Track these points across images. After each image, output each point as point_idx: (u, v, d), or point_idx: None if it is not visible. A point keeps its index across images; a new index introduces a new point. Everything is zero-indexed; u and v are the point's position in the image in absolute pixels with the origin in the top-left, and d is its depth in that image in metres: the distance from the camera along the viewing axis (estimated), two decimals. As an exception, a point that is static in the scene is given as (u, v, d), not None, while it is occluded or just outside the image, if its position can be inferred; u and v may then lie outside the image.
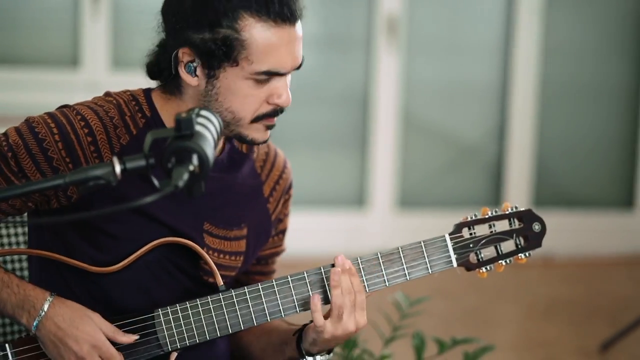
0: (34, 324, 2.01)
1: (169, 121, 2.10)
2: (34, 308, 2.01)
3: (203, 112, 1.80)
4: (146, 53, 2.15)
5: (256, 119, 2.07)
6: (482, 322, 5.17)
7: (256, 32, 2.01)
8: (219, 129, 1.82)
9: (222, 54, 2.01)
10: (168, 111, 2.11)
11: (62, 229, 2.10)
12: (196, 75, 2.05)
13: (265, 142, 2.13)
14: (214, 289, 2.13)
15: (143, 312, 2.08)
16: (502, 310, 5.34)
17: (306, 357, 2.16)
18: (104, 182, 1.71)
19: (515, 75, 6.06)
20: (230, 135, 2.10)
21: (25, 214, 2.17)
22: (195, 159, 1.72)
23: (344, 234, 6.00)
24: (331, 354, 2.21)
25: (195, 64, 2.04)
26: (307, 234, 5.79)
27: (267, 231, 2.29)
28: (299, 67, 2.09)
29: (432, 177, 6.16)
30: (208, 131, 1.77)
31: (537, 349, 4.71)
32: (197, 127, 1.75)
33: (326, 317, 2.08)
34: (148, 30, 2.14)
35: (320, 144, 6.03)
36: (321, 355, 2.16)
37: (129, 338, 2.05)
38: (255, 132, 2.09)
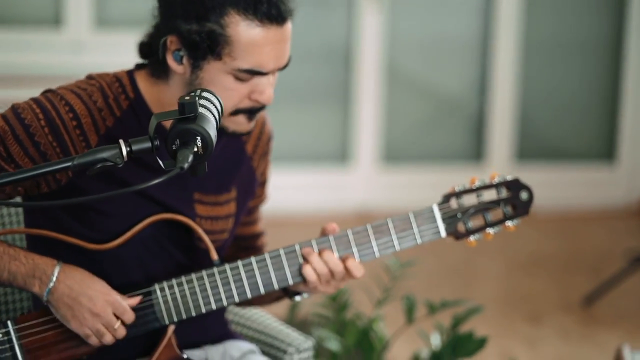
0: (47, 289, 2.05)
1: (153, 103, 2.14)
2: (45, 274, 2.05)
3: (205, 94, 1.84)
4: (142, 34, 2.18)
5: (235, 112, 2.11)
6: (465, 277, 5.23)
7: (241, 30, 2.04)
8: (220, 109, 1.86)
9: (206, 47, 2.05)
10: (153, 94, 2.15)
11: (55, 211, 2.14)
12: (182, 64, 2.09)
13: (249, 132, 2.17)
14: (208, 262, 2.19)
15: (140, 287, 2.13)
16: (485, 265, 5.40)
17: (295, 297, 2.27)
18: (111, 163, 1.75)
19: (497, 29, 6.09)
20: None
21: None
22: (199, 141, 1.76)
23: (327, 190, 6.04)
24: None
25: (181, 53, 2.08)
26: (290, 190, 5.83)
27: (252, 188, 2.34)
28: (284, 67, 2.14)
29: (416, 131, 6.20)
30: (210, 112, 1.81)
31: (521, 303, 4.77)
32: (200, 109, 1.79)
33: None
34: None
35: (303, 100, 6.05)
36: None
37: (134, 300, 2.10)
38: (236, 125, 2.13)
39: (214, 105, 1.84)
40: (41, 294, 2.06)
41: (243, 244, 2.39)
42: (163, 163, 1.78)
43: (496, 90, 6.15)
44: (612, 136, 6.37)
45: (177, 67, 2.09)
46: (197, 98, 1.80)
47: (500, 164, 6.17)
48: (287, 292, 2.26)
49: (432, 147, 6.22)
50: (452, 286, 4.98)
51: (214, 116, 1.82)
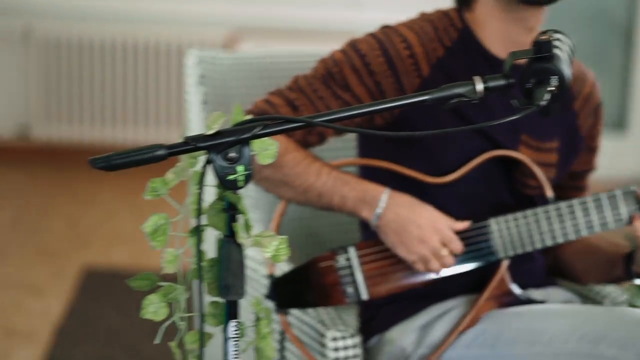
0: (375, 213, 2.12)
1: (480, 35, 2.20)
2: (374, 199, 2.12)
3: (558, 35, 1.84)
4: None
5: None
6: None
7: None
8: (573, 50, 1.86)
9: None
10: (474, 23, 2.22)
11: (387, 144, 2.22)
12: None
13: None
14: (530, 201, 2.21)
15: (473, 220, 2.16)
16: None
17: (636, 278, 2.18)
18: (466, 99, 1.77)
19: None
20: None
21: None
22: (554, 80, 1.75)
23: (603, 157, 5.95)
24: None
25: None
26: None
27: (576, 146, 2.33)
28: None
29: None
30: (564, 53, 1.81)
31: None
32: (555, 50, 1.79)
33: None
34: None
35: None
36: None
37: (464, 225, 2.14)
38: None
39: (567, 45, 1.83)
40: (370, 218, 2.13)
41: None
42: (516, 101, 1.79)
43: None
44: None
45: None
46: (552, 39, 1.80)
47: None
48: (630, 272, 2.20)
49: None
50: None
51: (569, 56, 1.81)
